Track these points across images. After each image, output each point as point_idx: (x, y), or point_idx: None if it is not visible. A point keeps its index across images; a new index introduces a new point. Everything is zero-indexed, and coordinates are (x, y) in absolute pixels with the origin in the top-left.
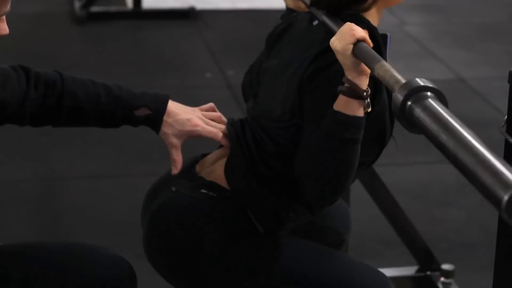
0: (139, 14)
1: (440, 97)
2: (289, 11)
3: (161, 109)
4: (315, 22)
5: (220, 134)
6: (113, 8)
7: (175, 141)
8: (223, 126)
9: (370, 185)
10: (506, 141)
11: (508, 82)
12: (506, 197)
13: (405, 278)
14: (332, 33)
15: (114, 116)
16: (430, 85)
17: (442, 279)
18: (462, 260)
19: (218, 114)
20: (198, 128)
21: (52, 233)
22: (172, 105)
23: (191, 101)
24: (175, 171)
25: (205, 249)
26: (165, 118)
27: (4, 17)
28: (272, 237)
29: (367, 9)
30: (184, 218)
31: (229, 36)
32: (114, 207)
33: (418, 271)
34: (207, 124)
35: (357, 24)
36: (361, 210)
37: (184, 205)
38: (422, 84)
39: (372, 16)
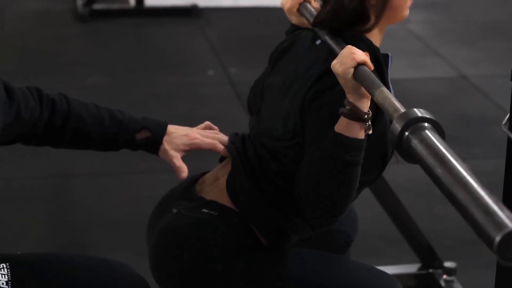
0: (142, 11)
1: (438, 129)
2: (293, 27)
3: (161, 132)
4: (318, 42)
5: (220, 145)
6: (115, 6)
7: (173, 152)
8: (223, 138)
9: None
10: (509, 139)
11: (511, 79)
12: (498, 238)
13: (407, 275)
14: (334, 54)
15: (116, 139)
16: (428, 116)
17: (445, 276)
18: (465, 258)
19: (214, 130)
20: (197, 140)
21: (55, 231)
22: (171, 127)
23: (193, 99)
24: (184, 175)
25: (210, 267)
26: (164, 138)
27: None
28: (276, 249)
29: (369, 30)
30: (187, 239)
31: (232, 33)
32: (116, 204)
33: (420, 268)
34: (206, 137)
35: (359, 45)
36: (364, 208)
37: (186, 226)
38: (420, 115)
39: (375, 36)
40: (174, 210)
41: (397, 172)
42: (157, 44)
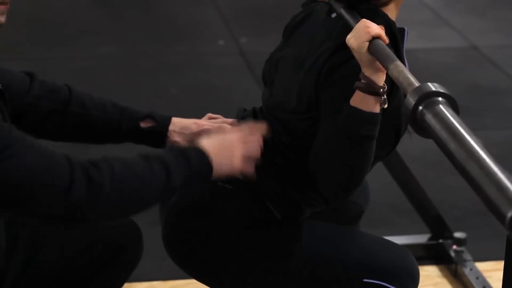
0: None
1: (452, 103)
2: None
3: (166, 122)
4: (333, 15)
5: (226, 125)
6: None
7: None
8: (227, 120)
9: None
10: None
11: None
12: (510, 214)
13: (417, 246)
14: (349, 27)
15: (119, 127)
16: (442, 91)
17: (454, 247)
18: (475, 229)
19: (217, 119)
20: (206, 126)
21: None
22: (175, 118)
23: (204, 68)
24: None
25: (223, 241)
26: (170, 128)
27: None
28: (290, 222)
29: (386, 3)
30: (202, 212)
31: (242, 3)
32: None
33: (430, 239)
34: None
35: (375, 19)
36: (374, 178)
37: (200, 198)
38: (434, 89)
39: (391, 10)
40: None
41: (408, 142)
42: (167, 14)
